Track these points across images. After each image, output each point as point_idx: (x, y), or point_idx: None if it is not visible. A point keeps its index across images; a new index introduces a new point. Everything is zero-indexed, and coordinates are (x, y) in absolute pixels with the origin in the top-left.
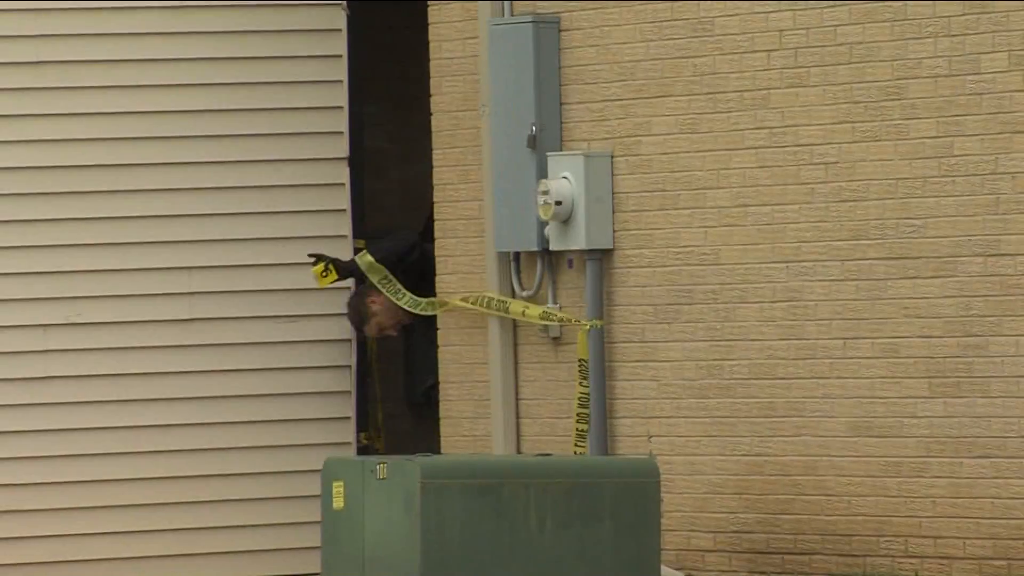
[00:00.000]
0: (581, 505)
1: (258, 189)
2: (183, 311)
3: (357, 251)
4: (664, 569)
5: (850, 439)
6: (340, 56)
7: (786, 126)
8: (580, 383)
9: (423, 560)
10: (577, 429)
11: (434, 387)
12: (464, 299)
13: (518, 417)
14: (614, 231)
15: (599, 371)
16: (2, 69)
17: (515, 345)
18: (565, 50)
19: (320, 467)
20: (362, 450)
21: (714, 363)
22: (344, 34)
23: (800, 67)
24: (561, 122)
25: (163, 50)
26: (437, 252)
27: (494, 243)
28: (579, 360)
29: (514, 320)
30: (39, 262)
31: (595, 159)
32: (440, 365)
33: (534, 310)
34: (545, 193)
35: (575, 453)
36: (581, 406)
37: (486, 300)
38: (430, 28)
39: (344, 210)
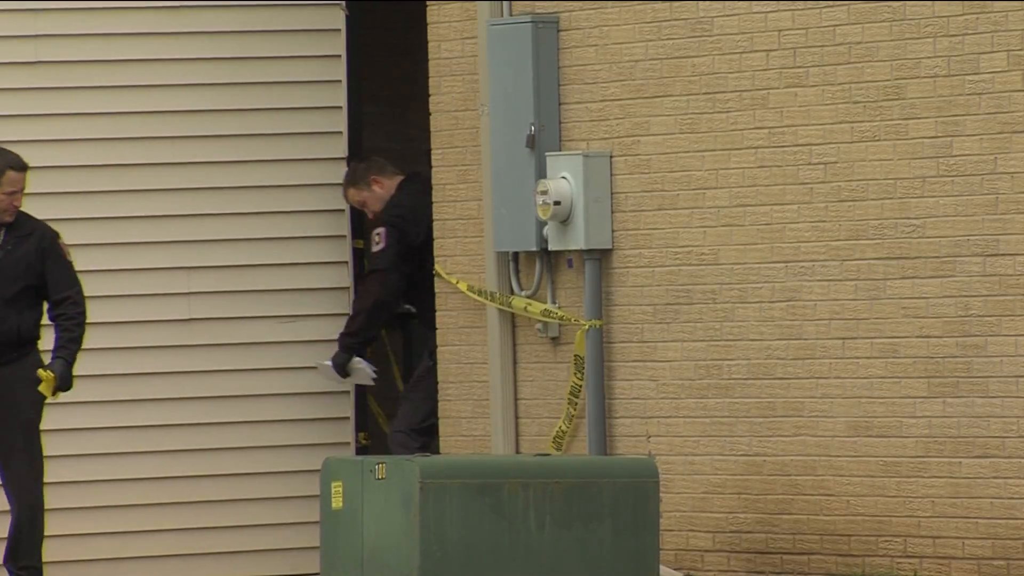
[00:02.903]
0: (580, 505)
1: (257, 189)
2: (182, 311)
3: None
4: (663, 569)
5: (849, 439)
6: (339, 56)
7: (785, 126)
8: (574, 375)
9: (422, 560)
10: (559, 428)
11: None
12: (470, 287)
13: (517, 417)
14: (613, 231)
15: (598, 371)
16: (1, 69)
17: (514, 345)
18: (564, 50)
19: (319, 467)
20: (361, 450)
21: (713, 363)
22: (343, 34)
23: (799, 67)
24: (560, 122)
25: (162, 50)
26: (436, 252)
27: (493, 243)
28: (575, 355)
29: (513, 320)
30: None
31: (594, 159)
32: (439, 365)
33: (536, 307)
34: (544, 193)
35: (550, 450)
36: (572, 394)
37: (488, 293)
38: (429, 28)
39: (343, 210)
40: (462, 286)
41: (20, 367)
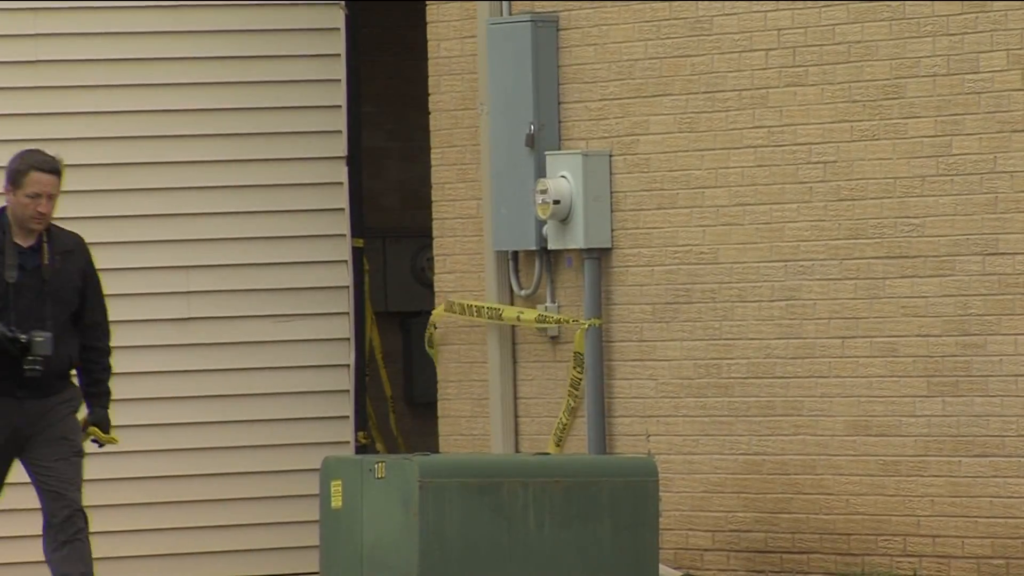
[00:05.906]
0: (580, 504)
1: (256, 188)
2: (181, 310)
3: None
4: (662, 568)
5: (848, 438)
6: (339, 55)
7: (784, 125)
8: (574, 368)
9: (421, 559)
10: (560, 421)
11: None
12: (446, 308)
13: (516, 416)
14: (612, 230)
15: (598, 370)
16: (1, 68)
17: (513, 344)
18: (563, 49)
19: (318, 466)
20: (360, 449)
21: (712, 362)
22: (343, 33)
23: (798, 66)
24: (559, 121)
25: (162, 49)
26: (436, 251)
27: (492, 242)
28: (575, 352)
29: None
30: None
31: (593, 158)
32: (439, 364)
33: (529, 314)
34: (543, 192)
35: (554, 449)
36: (573, 386)
37: (475, 308)
38: (428, 27)
39: (342, 209)
40: (438, 311)
41: (65, 394)
